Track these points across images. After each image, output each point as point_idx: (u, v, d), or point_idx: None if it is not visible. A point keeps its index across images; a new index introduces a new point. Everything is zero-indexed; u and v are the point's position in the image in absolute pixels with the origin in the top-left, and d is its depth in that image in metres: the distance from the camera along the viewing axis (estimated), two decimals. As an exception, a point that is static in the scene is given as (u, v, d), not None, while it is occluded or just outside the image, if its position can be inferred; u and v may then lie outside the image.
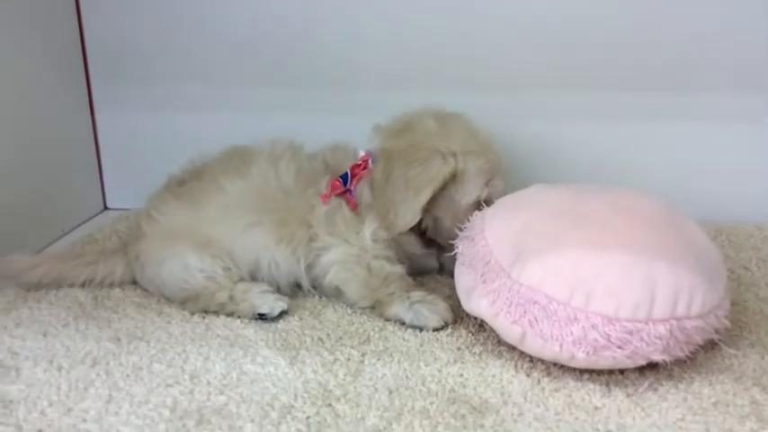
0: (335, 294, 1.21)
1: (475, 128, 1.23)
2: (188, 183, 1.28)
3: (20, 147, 1.45)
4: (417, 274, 1.29)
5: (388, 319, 1.15)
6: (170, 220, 1.24)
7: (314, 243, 1.20)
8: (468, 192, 1.19)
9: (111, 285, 1.28)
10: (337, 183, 1.21)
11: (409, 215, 1.16)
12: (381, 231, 1.18)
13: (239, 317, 1.16)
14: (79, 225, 1.63)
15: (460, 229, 1.13)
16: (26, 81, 1.47)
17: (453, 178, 1.18)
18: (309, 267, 1.21)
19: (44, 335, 1.11)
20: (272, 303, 1.16)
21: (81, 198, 1.67)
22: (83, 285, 1.27)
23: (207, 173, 1.27)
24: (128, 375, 1.00)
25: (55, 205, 1.56)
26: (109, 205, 1.75)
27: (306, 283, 1.23)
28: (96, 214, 1.71)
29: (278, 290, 1.22)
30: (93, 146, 1.70)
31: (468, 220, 1.13)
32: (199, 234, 1.21)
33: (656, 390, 0.94)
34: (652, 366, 0.96)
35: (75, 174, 1.65)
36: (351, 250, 1.18)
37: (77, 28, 1.62)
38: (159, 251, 1.22)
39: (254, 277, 1.22)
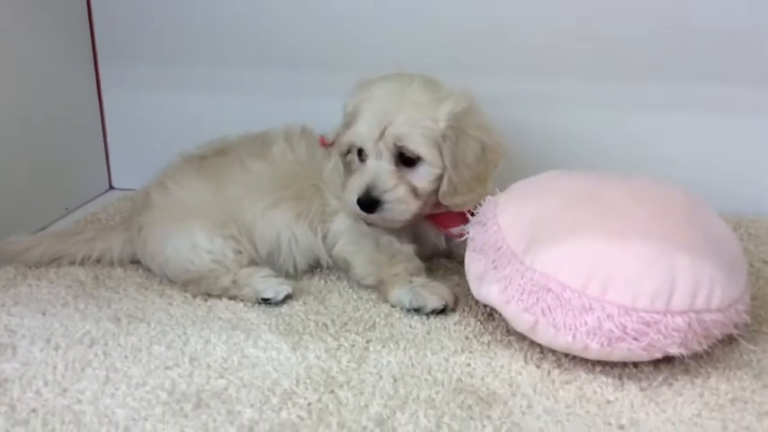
0: (345, 267, 1.21)
1: (384, 86, 1.16)
2: (210, 158, 1.26)
3: (26, 125, 1.43)
4: (429, 256, 1.26)
5: (393, 305, 1.13)
6: (187, 193, 1.22)
7: (326, 209, 1.21)
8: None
9: (111, 263, 1.26)
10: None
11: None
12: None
13: (242, 301, 1.14)
14: (84, 204, 1.62)
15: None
16: (33, 60, 1.45)
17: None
18: (325, 238, 1.22)
19: (43, 313, 1.09)
20: (276, 287, 1.14)
21: (86, 177, 1.66)
22: (82, 263, 1.26)
23: (231, 151, 1.26)
24: (126, 356, 0.98)
25: (60, 183, 1.55)
26: (114, 185, 1.73)
27: (324, 255, 1.23)
28: (102, 193, 1.70)
29: (294, 269, 1.22)
30: (100, 125, 1.69)
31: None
32: (216, 211, 1.19)
33: (671, 384, 0.91)
34: (667, 360, 0.94)
35: (80, 152, 1.63)
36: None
37: (86, 7, 1.60)
38: (167, 225, 1.19)
39: (272, 257, 1.21)
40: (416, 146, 1.11)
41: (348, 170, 1.19)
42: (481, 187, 1.14)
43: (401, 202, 1.12)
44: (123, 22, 1.61)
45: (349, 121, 1.17)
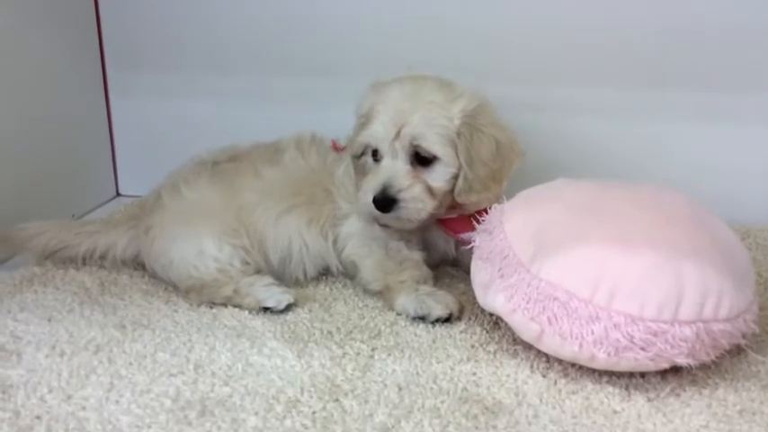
0: (353, 271, 1.21)
1: (398, 87, 1.16)
2: (223, 163, 1.27)
3: (34, 131, 1.44)
4: (438, 263, 1.26)
5: (398, 313, 1.12)
6: (199, 197, 1.22)
7: (337, 213, 1.21)
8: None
9: (114, 262, 1.26)
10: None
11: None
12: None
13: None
14: (91, 210, 1.62)
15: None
16: (42, 67, 1.46)
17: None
18: (335, 243, 1.22)
19: (48, 320, 1.09)
20: (278, 296, 1.13)
21: (94, 184, 1.66)
22: (84, 259, 1.26)
23: (243, 157, 1.27)
24: (130, 363, 0.97)
25: (67, 190, 1.55)
26: (121, 192, 1.74)
27: (334, 261, 1.23)
28: (108, 200, 1.70)
29: (304, 275, 1.23)
30: (108, 132, 1.69)
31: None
32: (228, 218, 1.19)
33: (678, 395, 0.91)
34: (675, 370, 0.93)
35: (88, 159, 1.64)
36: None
37: (94, 13, 1.61)
38: (176, 227, 1.19)
39: (283, 264, 1.21)
40: (432, 145, 1.11)
41: (360, 173, 1.19)
42: (497, 186, 1.13)
43: (417, 200, 1.11)
44: (131, 29, 1.61)
45: (363, 122, 1.16)
